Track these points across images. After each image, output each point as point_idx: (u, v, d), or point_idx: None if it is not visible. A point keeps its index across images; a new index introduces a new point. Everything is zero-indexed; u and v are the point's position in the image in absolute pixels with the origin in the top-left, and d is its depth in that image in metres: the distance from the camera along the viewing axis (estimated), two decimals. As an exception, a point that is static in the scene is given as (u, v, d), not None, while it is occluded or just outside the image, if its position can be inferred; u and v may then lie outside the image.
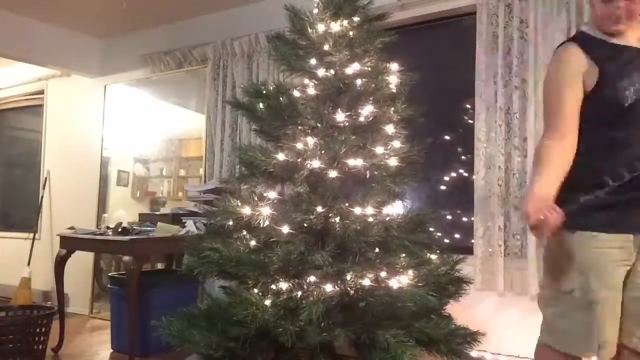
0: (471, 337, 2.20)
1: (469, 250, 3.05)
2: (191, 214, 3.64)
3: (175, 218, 3.67)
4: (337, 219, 1.95)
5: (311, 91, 2.21)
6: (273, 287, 1.93)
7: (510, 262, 2.95)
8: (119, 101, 4.88)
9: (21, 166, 6.04)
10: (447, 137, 3.47)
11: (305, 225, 2.00)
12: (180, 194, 4.59)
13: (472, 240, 3.06)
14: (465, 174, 3.37)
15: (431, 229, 2.39)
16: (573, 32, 2.82)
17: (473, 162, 3.09)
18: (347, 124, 2.13)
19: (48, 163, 5.30)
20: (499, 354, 2.86)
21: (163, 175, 4.89)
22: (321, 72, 2.21)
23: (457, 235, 3.37)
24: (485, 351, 2.79)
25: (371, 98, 2.17)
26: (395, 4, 3.24)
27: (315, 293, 1.84)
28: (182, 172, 4.74)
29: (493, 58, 3.06)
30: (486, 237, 3.01)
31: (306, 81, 2.25)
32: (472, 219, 3.09)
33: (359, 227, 1.93)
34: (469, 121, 3.29)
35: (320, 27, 2.23)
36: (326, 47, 2.18)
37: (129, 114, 4.88)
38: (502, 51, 3.02)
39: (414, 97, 2.40)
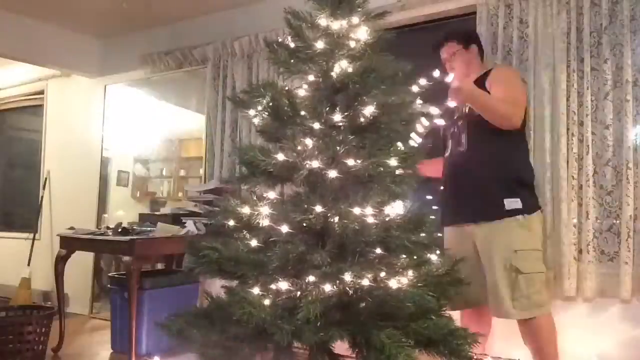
0: (471, 337, 2.19)
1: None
2: (191, 214, 3.65)
3: (176, 218, 3.67)
4: (336, 219, 1.94)
5: (309, 92, 2.21)
6: (272, 286, 1.93)
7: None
8: (119, 101, 4.89)
9: (21, 166, 6.05)
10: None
11: (305, 225, 1.99)
12: (180, 194, 4.60)
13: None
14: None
15: (432, 229, 2.38)
16: (573, 33, 2.82)
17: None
18: (345, 124, 2.13)
19: (48, 163, 5.30)
20: (500, 357, 2.85)
21: (163, 176, 4.90)
22: (318, 72, 2.21)
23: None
24: (486, 355, 2.78)
25: (370, 98, 2.16)
26: (395, 4, 3.24)
27: (313, 293, 1.84)
28: (182, 173, 4.75)
29: (493, 58, 3.06)
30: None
31: (304, 82, 2.24)
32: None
33: (357, 227, 1.92)
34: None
35: (318, 28, 2.23)
36: (323, 47, 2.18)
37: (129, 114, 4.89)
38: (502, 51, 3.02)
39: (415, 97, 2.39)
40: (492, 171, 2.52)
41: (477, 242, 2.58)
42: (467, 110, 2.65)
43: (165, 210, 3.93)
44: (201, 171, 4.21)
